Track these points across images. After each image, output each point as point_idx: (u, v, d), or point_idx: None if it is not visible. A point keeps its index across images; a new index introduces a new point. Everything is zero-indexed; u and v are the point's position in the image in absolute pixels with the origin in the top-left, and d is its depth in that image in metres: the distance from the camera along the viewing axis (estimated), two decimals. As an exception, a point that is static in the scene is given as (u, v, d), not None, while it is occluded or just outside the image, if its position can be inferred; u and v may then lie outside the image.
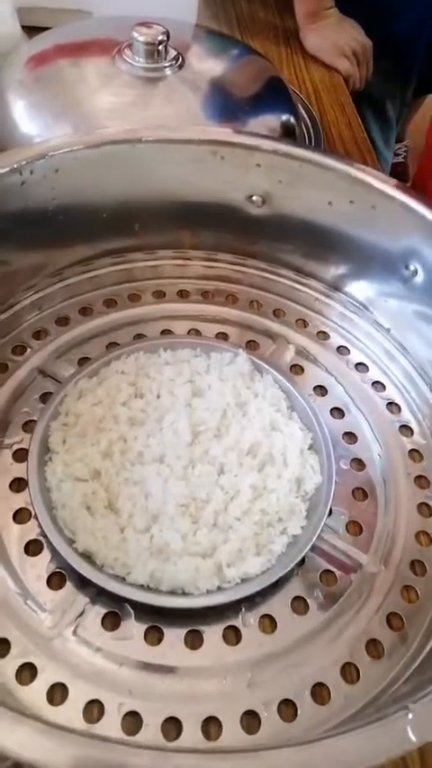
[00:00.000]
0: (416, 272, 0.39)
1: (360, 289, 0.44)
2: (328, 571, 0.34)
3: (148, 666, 0.30)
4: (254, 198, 0.42)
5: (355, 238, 0.41)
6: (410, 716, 0.20)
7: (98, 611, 0.31)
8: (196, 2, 0.67)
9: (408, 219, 0.38)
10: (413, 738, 0.19)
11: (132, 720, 0.28)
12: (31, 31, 0.63)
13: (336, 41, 0.70)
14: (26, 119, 0.52)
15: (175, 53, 0.55)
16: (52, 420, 0.37)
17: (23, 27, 0.64)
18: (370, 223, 0.39)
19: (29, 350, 0.41)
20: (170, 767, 0.19)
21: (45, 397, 0.39)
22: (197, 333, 0.44)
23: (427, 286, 0.39)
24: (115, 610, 0.31)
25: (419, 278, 0.39)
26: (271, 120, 0.56)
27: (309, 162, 0.39)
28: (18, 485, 0.35)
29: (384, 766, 0.20)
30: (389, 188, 0.38)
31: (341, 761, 0.19)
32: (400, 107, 0.95)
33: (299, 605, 0.33)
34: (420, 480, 0.38)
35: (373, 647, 0.32)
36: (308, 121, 0.61)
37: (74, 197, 0.40)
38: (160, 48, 0.54)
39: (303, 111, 0.63)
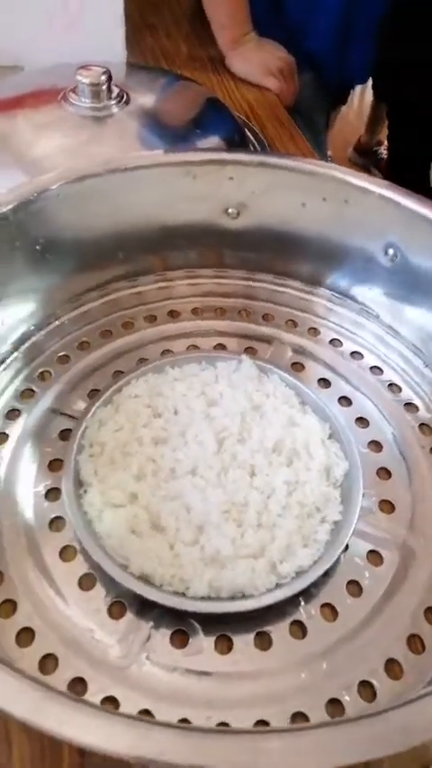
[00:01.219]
0: (395, 255, 0.41)
1: (342, 281, 0.46)
2: (372, 551, 0.35)
3: (224, 676, 0.30)
4: (230, 210, 0.44)
5: (331, 234, 0.43)
6: None
7: (164, 633, 0.31)
8: (123, 43, 0.69)
9: (381, 207, 0.40)
10: None
11: (224, 730, 0.28)
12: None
13: (261, 62, 0.73)
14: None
15: (119, 90, 0.57)
16: (78, 454, 0.37)
17: None
18: (345, 217, 0.42)
19: (36, 392, 0.41)
20: (307, 743, 0.20)
21: (65, 434, 0.39)
22: (196, 348, 0.45)
23: (407, 268, 0.42)
24: (181, 627, 0.32)
25: (399, 261, 0.42)
26: (220, 139, 0.58)
27: (279, 168, 0.41)
28: (57, 524, 0.35)
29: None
30: (358, 180, 0.40)
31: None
32: (326, 117, 1.01)
33: (353, 588, 0.34)
34: (436, 449, 0.40)
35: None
36: (252, 138, 0.64)
37: (58, 235, 0.40)
38: (104, 87, 0.55)
39: (248, 132, 0.66)
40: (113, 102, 0.56)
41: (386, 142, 1.59)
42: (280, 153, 0.43)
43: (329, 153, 1.66)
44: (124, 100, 0.57)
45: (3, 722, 0.28)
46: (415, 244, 0.40)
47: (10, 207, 0.37)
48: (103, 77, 0.55)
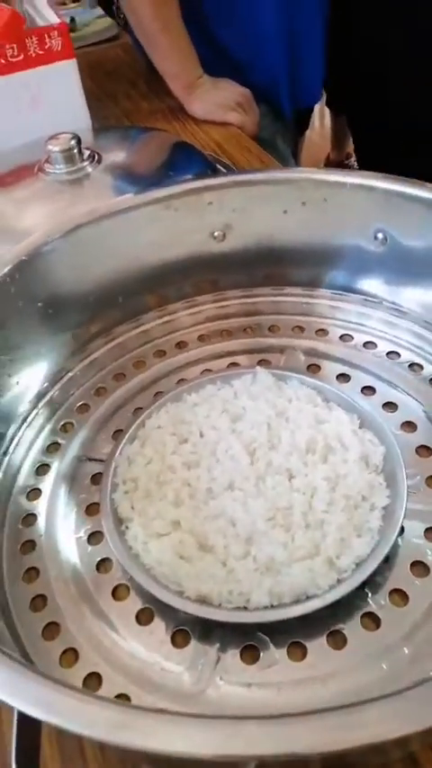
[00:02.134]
0: (385, 238, 0.41)
1: (340, 277, 0.46)
2: (429, 529, 0.34)
3: (304, 682, 0.29)
4: (215, 234, 0.45)
5: (318, 235, 0.44)
6: None
7: (233, 652, 0.30)
8: (86, 109, 0.72)
9: (359, 196, 0.40)
10: None
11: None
12: None
13: (219, 100, 0.76)
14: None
15: (90, 152, 0.60)
16: (113, 493, 0.36)
17: None
18: (327, 215, 0.42)
19: (62, 443, 0.41)
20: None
21: (96, 479, 0.39)
22: (209, 371, 0.45)
23: (399, 247, 0.42)
24: (250, 643, 0.30)
25: (390, 243, 0.42)
26: (194, 176, 0.60)
27: (253, 183, 0.42)
28: (105, 566, 0.35)
29: None
30: (332, 176, 0.41)
31: None
32: (290, 142, 1.03)
33: (419, 569, 0.32)
34: (472, 419, 0.39)
35: None
36: (224, 169, 0.66)
37: (57, 289, 0.42)
38: (75, 151, 0.58)
39: (220, 166, 0.68)
40: (86, 163, 0.59)
41: (354, 153, 1.62)
42: (250, 169, 0.44)
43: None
44: (96, 159, 0.59)
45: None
46: (400, 223, 0.40)
47: (7, 269, 0.38)
48: (73, 142, 0.58)
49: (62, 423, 0.43)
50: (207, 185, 0.43)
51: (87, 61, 1.00)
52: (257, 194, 0.43)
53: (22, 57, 0.68)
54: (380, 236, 0.41)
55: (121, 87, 0.89)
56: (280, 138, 0.95)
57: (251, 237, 0.45)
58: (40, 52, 0.68)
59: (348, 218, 0.43)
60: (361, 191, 0.40)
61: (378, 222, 0.42)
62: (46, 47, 0.68)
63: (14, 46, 0.67)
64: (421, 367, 0.43)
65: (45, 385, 0.44)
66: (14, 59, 0.68)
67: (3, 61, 0.68)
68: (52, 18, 0.71)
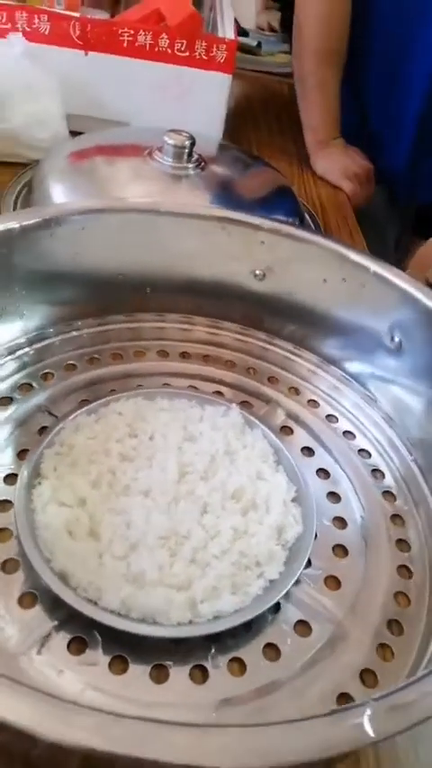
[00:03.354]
0: (400, 343, 0.42)
1: (351, 362, 0.47)
2: (302, 621, 0.34)
3: (111, 695, 0.29)
4: (257, 272, 0.46)
5: (346, 314, 0.45)
6: (369, 711, 0.20)
7: (65, 636, 0.31)
8: (222, 121, 0.76)
9: (390, 295, 0.41)
10: (371, 734, 0.19)
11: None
12: (75, 135, 0.72)
13: (342, 165, 0.79)
14: (63, 199, 0.59)
15: (198, 157, 0.63)
16: (47, 449, 0.38)
17: (70, 132, 0.73)
18: (360, 300, 0.43)
19: (34, 388, 0.43)
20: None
21: (43, 431, 0.40)
22: (194, 389, 0.46)
23: (411, 358, 0.42)
24: (83, 635, 0.31)
25: (404, 350, 0.42)
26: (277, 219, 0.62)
27: (306, 242, 0.44)
28: (3, 506, 0.36)
29: None
30: (376, 266, 0.42)
31: (293, 748, 0.18)
32: (399, 232, 1.04)
33: (270, 652, 0.32)
34: (401, 544, 0.39)
35: (344, 701, 0.31)
36: (311, 223, 0.68)
37: (94, 255, 0.44)
38: (186, 151, 0.61)
39: (309, 220, 0.70)
40: (191, 165, 0.61)
41: None
42: (318, 232, 0.45)
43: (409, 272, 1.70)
44: (201, 166, 0.62)
45: None
46: (415, 336, 0.41)
47: (52, 217, 0.40)
48: (187, 142, 0.61)
49: (45, 371, 0.45)
50: (265, 226, 0.45)
51: (252, 84, 1.06)
52: (306, 254, 0.44)
53: (187, 54, 0.73)
54: (396, 339, 0.42)
55: (266, 118, 0.93)
56: (390, 224, 0.97)
57: (287, 289, 0.46)
58: (205, 57, 0.73)
59: (375, 311, 0.43)
60: (395, 292, 0.41)
61: (399, 326, 0.42)
62: (211, 54, 0.72)
63: (184, 42, 0.71)
64: (383, 476, 0.43)
65: (49, 331, 0.46)
66: (180, 54, 0.73)
67: (170, 51, 0.72)
68: (230, 34, 0.75)
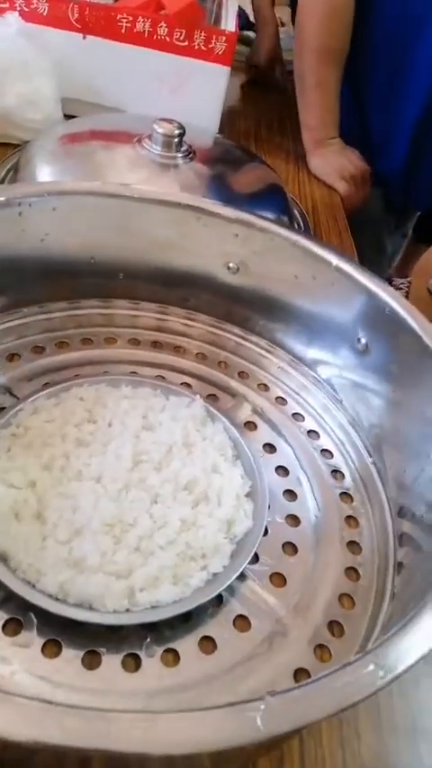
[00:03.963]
0: (366, 345, 0.42)
1: (320, 362, 0.47)
2: (242, 616, 0.34)
3: (40, 679, 0.29)
4: (230, 265, 0.46)
5: (317, 312, 0.44)
6: (263, 707, 0.19)
7: (0, 616, 0.31)
8: (218, 114, 0.76)
9: (357, 296, 0.41)
10: (261, 728, 0.18)
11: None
12: (69, 119, 0.72)
13: (338, 165, 0.78)
14: (48, 179, 0.58)
15: (188, 147, 0.62)
16: (3, 429, 0.38)
17: (65, 115, 0.73)
18: (329, 298, 0.43)
19: (-2, 368, 0.43)
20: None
21: (2, 412, 0.40)
22: (162, 378, 0.46)
23: (376, 362, 0.42)
24: (19, 617, 0.31)
25: (370, 351, 0.42)
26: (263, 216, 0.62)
27: (279, 236, 0.43)
28: None
29: None
30: (346, 266, 0.41)
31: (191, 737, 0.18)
32: (397, 236, 1.04)
33: (207, 645, 0.32)
34: (353, 546, 0.38)
35: (276, 698, 0.31)
36: (300, 220, 0.67)
37: (65, 236, 0.44)
38: (175, 140, 0.60)
39: (299, 218, 0.70)
40: (180, 155, 0.61)
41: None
42: (292, 229, 0.44)
43: (410, 279, 1.69)
44: (190, 156, 0.62)
45: None
46: (381, 339, 0.41)
47: (22, 196, 0.40)
48: (177, 132, 0.60)
49: (12, 352, 0.45)
50: (240, 218, 0.44)
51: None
52: (279, 249, 0.44)
53: (186, 43, 0.72)
54: (363, 341, 0.42)
55: (267, 116, 0.92)
56: (386, 227, 0.97)
57: (259, 283, 0.46)
58: (203, 48, 0.72)
59: (343, 311, 0.43)
60: (361, 294, 0.41)
61: (365, 329, 0.42)
62: (210, 46, 0.72)
63: (183, 31, 0.71)
64: (343, 477, 0.42)
65: (23, 311, 0.46)
66: (179, 43, 0.72)
67: (168, 39, 0.72)
68: (231, 27, 0.75)
